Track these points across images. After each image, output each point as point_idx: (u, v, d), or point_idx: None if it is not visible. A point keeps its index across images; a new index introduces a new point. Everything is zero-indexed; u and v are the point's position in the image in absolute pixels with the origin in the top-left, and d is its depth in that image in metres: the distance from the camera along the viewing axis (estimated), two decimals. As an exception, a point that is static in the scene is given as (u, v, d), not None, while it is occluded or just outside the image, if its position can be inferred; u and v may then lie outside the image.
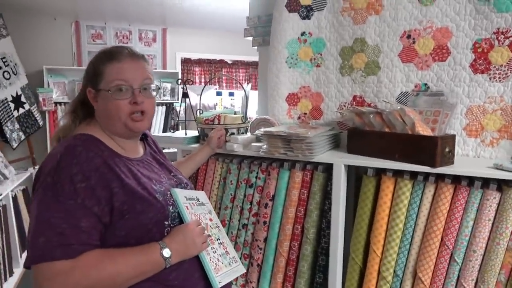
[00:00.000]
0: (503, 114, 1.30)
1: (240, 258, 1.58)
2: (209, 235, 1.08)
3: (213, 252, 1.06)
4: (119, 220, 0.89)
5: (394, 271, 1.29)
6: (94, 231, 0.86)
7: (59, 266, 0.81)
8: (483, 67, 1.31)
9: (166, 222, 0.97)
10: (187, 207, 1.04)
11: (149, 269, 0.90)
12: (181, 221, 1.02)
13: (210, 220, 1.13)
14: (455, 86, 1.37)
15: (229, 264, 1.09)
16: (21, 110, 3.67)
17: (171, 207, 0.99)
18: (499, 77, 1.29)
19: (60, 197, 0.84)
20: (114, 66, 0.98)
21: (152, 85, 1.04)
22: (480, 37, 1.31)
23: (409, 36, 1.43)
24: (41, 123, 4.01)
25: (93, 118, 1.04)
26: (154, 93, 1.05)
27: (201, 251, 1.00)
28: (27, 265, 0.83)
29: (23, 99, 3.70)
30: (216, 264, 1.04)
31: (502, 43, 1.27)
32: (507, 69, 1.28)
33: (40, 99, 4.11)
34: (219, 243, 1.10)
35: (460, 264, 1.18)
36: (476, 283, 1.17)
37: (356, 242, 1.36)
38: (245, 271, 1.18)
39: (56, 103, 4.30)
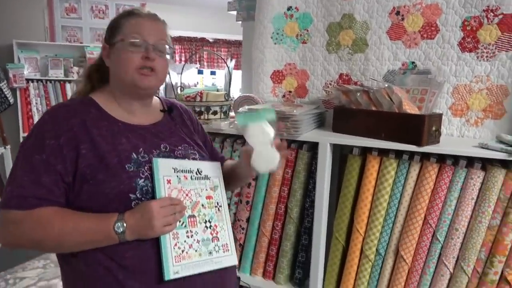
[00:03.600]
0: (488, 94, 1.30)
1: (222, 238, 1.55)
2: (192, 216, 0.97)
3: (187, 236, 0.94)
4: (83, 184, 0.88)
5: (377, 250, 1.29)
6: (55, 188, 0.87)
7: (12, 215, 0.85)
8: (471, 45, 1.30)
9: (132, 195, 0.90)
10: (169, 180, 0.94)
11: (99, 239, 0.87)
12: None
13: (208, 198, 1.02)
14: (443, 64, 1.35)
15: (209, 253, 0.96)
16: (-11, 86, 3.49)
17: (143, 179, 0.92)
18: (487, 56, 1.28)
19: (28, 151, 0.88)
20: (134, 20, 0.98)
21: (167, 47, 1.02)
22: (470, 14, 1.29)
23: (398, 13, 1.40)
24: (11, 100, 3.83)
25: (106, 85, 1.04)
26: (168, 57, 1.03)
27: (160, 234, 0.90)
28: None
29: (-9, 74, 3.51)
30: (182, 251, 0.92)
31: (491, 21, 1.26)
32: (495, 48, 1.26)
33: (10, 75, 3.90)
34: (206, 227, 0.98)
35: (442, 242, 1.19)
36: (457, 261, 1.18)
37: (339, 221, 1.35)
38: (236, 263, 1.02)
39: (27, 80, 4.10)
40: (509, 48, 1.24)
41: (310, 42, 1.58)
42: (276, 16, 1.62)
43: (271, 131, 1.01)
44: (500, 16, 1.24)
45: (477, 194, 1.14)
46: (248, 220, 1.50)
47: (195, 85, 4.91)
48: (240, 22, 1.85)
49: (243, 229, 1.51)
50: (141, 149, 0.96)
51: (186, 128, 1.12)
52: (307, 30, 1.58)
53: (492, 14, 1.25)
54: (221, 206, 1.04)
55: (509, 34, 1.24)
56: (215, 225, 1.00)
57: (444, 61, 1.34)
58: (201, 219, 0.98)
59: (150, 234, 0.89)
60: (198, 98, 1.56)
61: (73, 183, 0.88)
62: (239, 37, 1.91)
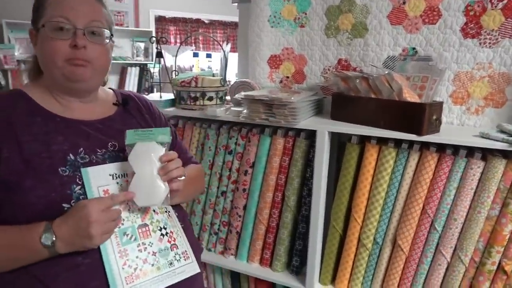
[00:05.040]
0: (490, 82, 1.27)
1: (219, 226, 1.54)
2: (143, 225, 0.84)
3: (139, 250, 0.80)
4: (7, 194, 0.73)
5: (374, 239, 1.28)
6: None
7: None
8: (474, 31, 1.26)
9: (67, 205, 0.75)
10: (106, 190, 0.80)
11: (26, 256, 0.73)
12: None
13: None
14: (444, 51, 1.31)
15: (170, 264, 0.83)
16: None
17: (80, 186, 0.78)
18: (490, 43, 1.24)
19: None
20: None
21: (104, 30, 0.84)
22: (474, -1, 1.24)
23: (399, -4, 1.35)
24: (2, 82, 3.75)
25: (41, 76, 0.89)
26: (106, 41, 0.86)
27: (99, 244, 0.75)
28: None
29: (-20, 56, 3.42)
30: (135, 269, 0.78)
31: (495, 6, 1.22)
32: (498, 34, 1.23)
33: (1, 56, 3.81)
34: (162, 234, 0.85)
35: (440, 232, 1.18)
36: (454, 250, 1.18)
37: (337, 210, 1.34)
38: (199, 270, 0.89)
39: (19, 61, 4.00)
40: (513, 34, 1.21)
41: (308, 26, 1.53)
42: (274, -1, 1.56)
43: (159, 155, 0.84)
44: (505, 1, 1.20)
45: (476, 184, 1.13)
46: (245, 207, 1.49)
47: (191, 68, 4.84)
48: (236, 4, 1.79)
49: (240, 216, 1.50)
50: (82, 148, 0.82)
51: (144, 123, 1.00)
52: (305, 13, 1.53)
53: (496, -2, 1.21)
54: (169, 211, 0.92)
55: (513, 20, 1.20)
56: (171, 232, 0.88)
57: (446, 47, 1.31)
58: (155, 227, 0.85)
59: (87, 244, 0.73)
60: (193, 84, 1.52)
61: None
62: (235, 19, 1.85)
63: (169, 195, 0.84)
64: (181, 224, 0.94)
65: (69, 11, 0.80)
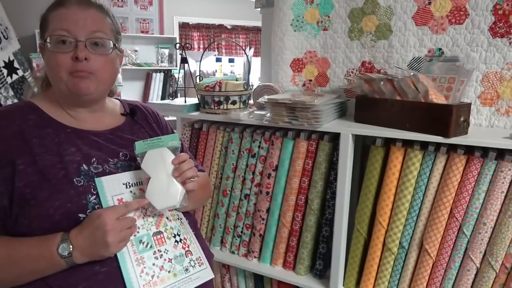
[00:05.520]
0: (521, 82, 1.23)
1: (242, 228, 1.56)
2: (158, 233, 0.84)
3: (155, 258, 0.81)
4: (23, 207, 0.73)
5: (400, 243, 1.26)
6: None
7: None
8: (503, 30, 1.23)
9: (83, 215, 0.76)
10: (120, 200, 0.81)
11: (42, 268, 0.73)
12: None
13: (169, 210, 0.89)
14: (472, 51, 1.28)
15: (186, 270, 0.84)
16: (15, 77, 3.56)
17: (95, 196, 0.79)
18: (520, 42, 1.21)
19: None
20: (59, 12, 0.81)
21: (107, 41, 0.84)
22: (502, -3, 1.21)
23: (424, -3, 1.33)
24: (36, 90, 3.91)
25: (50, 88, 0.91)
26: (110, 51, 0.85)
27: (115, 252, 0.76)
28: None
29: (16, 64, 3.57)
30: (152, 276, 0.79)
31: (526, 4, 1.18)
32: (529, 33, 1.19)
33: (34, 65, 3.98)
34: (176, 241, 0.86)
35: (468, 237, 1.15)
36: (484, 256, 1.14)
37: (361, 213, 1.33)
38: (213, 276, 0.90)
39: (50, 69, 4.17)
40: (545, 33, 1.17)
41: (331, 28, 1.53)
42: (296, 2, 1.57)
43: (170, 159, 0.86)
44: (536, -1, 1.17)
45: (507, 187, 1.09)
46: (268, 210, 1.49)
47: (214, 73, 4.90)
48: (259, 9, 1.81)
49: (263, 219, 1.50)
50: (94, 159, 0.83)
51: (152, 132, 1.01)
52: (328, 16, 1.53)
53: (527, -4, 1.18)
54: (182, 218, 0.93)
55: (545, 18, 1.16)
56: (185, 238, 0.89)
57: (473, 47, 1.28)
58: (169, 234, 0.86)
59: (104, 253, 0.74)
60: (217, 88, 1.54)
61: (10, 207, 0.74)
62: (257, 23, 1.87)
63: (186, 195, 0.87)
64: (192, 231, 0.96)
65: (70, 23, 0.80)
